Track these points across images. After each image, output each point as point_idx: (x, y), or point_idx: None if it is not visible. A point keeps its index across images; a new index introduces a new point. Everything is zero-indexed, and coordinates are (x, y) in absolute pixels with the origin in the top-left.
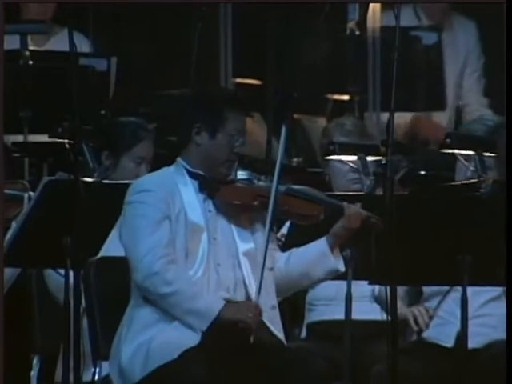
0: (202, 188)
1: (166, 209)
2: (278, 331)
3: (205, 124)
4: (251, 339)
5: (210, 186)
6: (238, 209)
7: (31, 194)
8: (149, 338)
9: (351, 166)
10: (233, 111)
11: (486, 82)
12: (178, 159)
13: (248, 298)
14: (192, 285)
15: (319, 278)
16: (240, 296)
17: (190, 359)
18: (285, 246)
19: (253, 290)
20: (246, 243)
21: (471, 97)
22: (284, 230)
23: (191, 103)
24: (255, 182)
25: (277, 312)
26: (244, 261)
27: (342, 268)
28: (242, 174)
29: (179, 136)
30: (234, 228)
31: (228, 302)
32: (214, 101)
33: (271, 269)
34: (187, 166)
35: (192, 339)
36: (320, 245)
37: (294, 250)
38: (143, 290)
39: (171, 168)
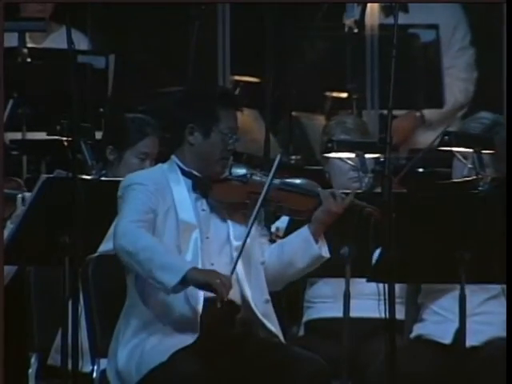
0: (195, 187)
1: (155, 202)
2: (274, 325)
3: (198, 124)
4: (218, 304)
5: (203, 185)
6: (231, 207)
7: (26, 194)
8: (143, 340)
9: (351, 165)
10: (225, 109)
11: (469, 57)
12: (172, 157)
13: (242, 295)
14: (163, 244)
15: (304, 266)
16: (234, 293)
17: (184, 359)
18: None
19: (247, 288)
20: (240, 240)
21: (451, 74)
22: (278, 223)
23: (183, 103)
24: (248, 177)
25: (270, 306)
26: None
27: (326, 254)
28: (236, 171)
29: (173, 135)
30: (229, 225)
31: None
32: (205, 100)
33: (262, 263)
34: (181, 165)
35: (186, 339)
36: (302, 232)
37: (280, 241)
38: (120, 252)
39: (165, 165)
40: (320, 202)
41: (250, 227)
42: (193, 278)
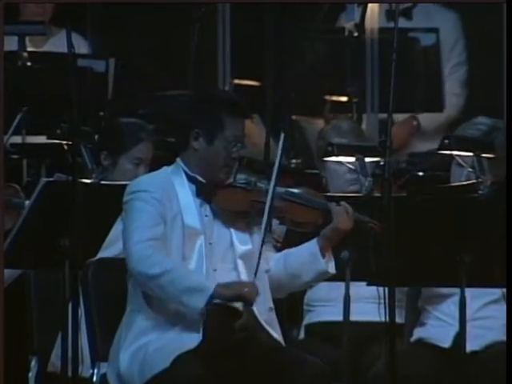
0: (198, 193)
1: (162, 210)
2: (277, 333)
3: (202, 130)
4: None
5: (207, 191)
6: (234, 215)
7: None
8: (146, 344)
9: (348, 167)
10: (231, 117)
11: (463, 73)
12: (178, 160)
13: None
14: (182, 265)
15: (309, 280)
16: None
17: (187, 363)
18: (283, 248)
19: None
20: (243, 245)
21: (446, 88)
22: (275, 226)
23: (189, 108)
24: (253, 184)
25: (274, 314)
26: (240, 264)
27: (332, 270)
28: (240, 178)
29: (177, 139)
30: (231, 231)
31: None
32: (211, 106)
33: (267, 271)
34: (186, 169)
35: (188, 343)
36: (311, 246)
37: (286, 250)
38: (137, 277)
39: (169, 168)
40: (324, 215)
41: (265, 233)
42: (220, 296)
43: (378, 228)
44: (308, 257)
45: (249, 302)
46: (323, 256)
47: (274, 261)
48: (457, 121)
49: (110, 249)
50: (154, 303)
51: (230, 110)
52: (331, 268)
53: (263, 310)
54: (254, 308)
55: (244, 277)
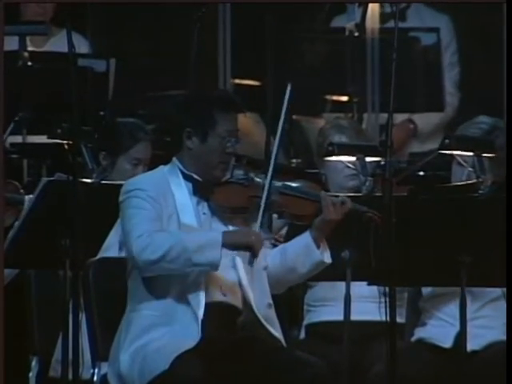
0: (195, 191)
1: (158, 208)
2: (276, 330)
3: (195, 128)
4: (252, 261)
5: (204, 189)
6: (233, 212)
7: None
8: (145, 344)
9: (347, 164)
10: (222, 112)
11: (456, 73)
12: (174, 159)
13: (244, 299)
14: (184, 232)
15: (306, 271)
16: (237, 297)
17: (186, 363)
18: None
19: (249, 291)
20: None
21: None
22: (284, 231)
23: (180, 107)
24: (250, 179)
25: (273, 310)
26: (239, 261)
27: (328, 260)
28: (238, 174)
29: (172, 139)
30: (230, 229)
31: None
32: (201, 104)
33: (265, 268)
34: (182, 168)
35: (188, 343)
36: (304, 238)
37: (282, 245)
38: (147, 266)
39: (166, 168)
40: (321, 206)
41: (262, 216)
42: (230, 243)
43: (377, 218)
44: (303, 249)
45: (254, 252)
46: (318, 246)
47: (270, 257)
48: (452, 119)
49: (110, 250)
50: (153, 303)
51: (220, 105)
52: (327, 258)
53: (262, 307)
54: (253, 304)
55: (242, 274)
